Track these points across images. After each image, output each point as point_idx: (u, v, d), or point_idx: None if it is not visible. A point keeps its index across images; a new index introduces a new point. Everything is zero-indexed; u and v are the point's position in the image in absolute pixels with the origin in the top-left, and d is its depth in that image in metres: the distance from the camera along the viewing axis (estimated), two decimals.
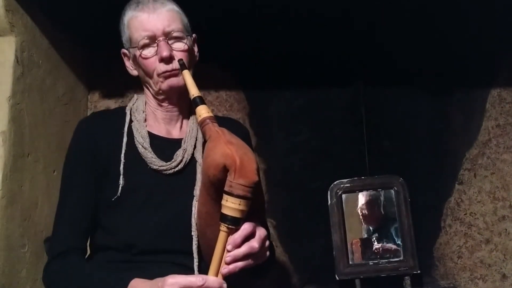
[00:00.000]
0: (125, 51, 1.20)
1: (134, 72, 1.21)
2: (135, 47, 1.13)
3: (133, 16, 1.14)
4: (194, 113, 1.19)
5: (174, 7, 1.16)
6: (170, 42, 1.13)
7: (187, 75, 1.10)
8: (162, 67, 1.12)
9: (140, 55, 1.13)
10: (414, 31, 1.80)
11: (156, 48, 1.12)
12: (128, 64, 1.22)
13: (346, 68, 1.84)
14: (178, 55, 1.13)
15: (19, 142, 1.36)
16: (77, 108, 1.76)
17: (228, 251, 0.94)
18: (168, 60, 1.11)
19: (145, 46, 1.13)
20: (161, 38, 1.12)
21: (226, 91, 1.87)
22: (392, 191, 1.65)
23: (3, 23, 1.32)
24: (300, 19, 1.73)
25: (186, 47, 1.14)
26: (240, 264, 0.95)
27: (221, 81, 1.86)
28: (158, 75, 1.13)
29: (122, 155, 1.12)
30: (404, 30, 1.79)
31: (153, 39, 1.12)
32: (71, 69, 1.70)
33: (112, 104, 1.84)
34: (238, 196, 0.92)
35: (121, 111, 1.20)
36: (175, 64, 1.12)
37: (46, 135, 1.51)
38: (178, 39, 1.14)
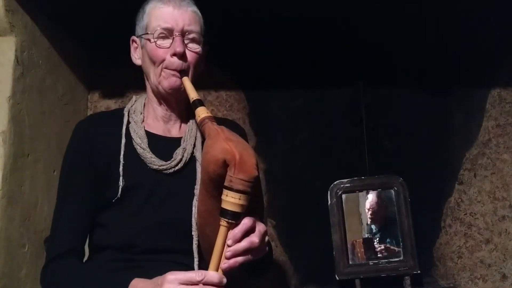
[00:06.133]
0: (135, 38, 1.21)
1: (138, 62, 1.21)
2: (151, 33, 1.14)
3: (157, 6, 1.15)
4: (194, 114, 1.20)
5: (197, 11, 1.19)
6: (185, 41, 1.14)
7: (186, 81, 1.12)
8: (171, 61, 1.13)
9: (154, 43, 1.13)
10: (414, 31, 1.80)
11: (170, 41, 1.13)
12: (134, 52, 1.22)
13: (346, 68, 1.84)
14: (189, 55, 1.14)
15: (19, 142, 1.36)
16: (77, 108, 1.76)
17: (229, 246, 0.94)
18: (180, 56, 1.12)
19: (160, 36, 1.14)
20: (177, 34, 1.13)
21: (226, 91, 1.87)
22: (392, 191, 1.65)
23: (3, 23, 1.32)
24: (300, 19, 1.73)
25: (199, 49, 1.16)
26: (240, 259, 0.95)
27: (221, 81, 1.86)
28: (164, 68, 1.14)
29: (121, 156, 1.12)
30: (404, 30, 1.79)
31: (170, 33, 1.13)
32: (71, 69, 1.70)
33: (112, 104, 1.85)
34: (238, 191, 0.92)
35: (119, 113, 1.20)
36: (183, 65, 1.13)
37: (46, 135, 1.51)
38: (194, 40, 1.16)
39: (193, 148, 1.17)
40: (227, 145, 0.94)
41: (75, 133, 1.19)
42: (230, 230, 0.95)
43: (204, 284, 0.91)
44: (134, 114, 1.19)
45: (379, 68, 1.84)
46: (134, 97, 1.25)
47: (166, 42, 1.13)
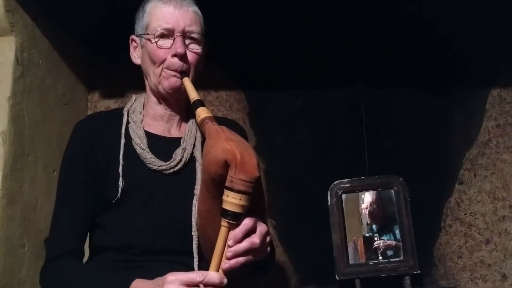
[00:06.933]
0: (135, 37, 1.20)
1: (137, 61, 1.21)
2: (151, 34, 1.13)
3: (158, 6, 1.15)
4: (194, 114, 1.20)
5: (198, 11, 1.18)
6: (186, 41, 1.14)
7: (187, 82, 1.12)
8: (171, 62, 1.12)
9: (155, 43, 1.13)
10: (414, 31, 1.80)
11: (171, 41, 1.13)
12: (133, 52, 1.22)
13: (346, 68, 1.84)
14: (190, 56, 1.14)
15: (19, 142, 1.36)
16: (77, 108, 1.76)
17: (229, 246, 0.94)
18: (181, 57, 1.12)
19: (161, 36, 1.13)
20: (178, 34, 1.12)
21: (226, 91, 1.87)
22: (392, 191, 1.65)
23: (3, 23, 1.33)
24: (300, 19, 1.73)
25: (200, 50, 1.16)
26: (241, 259, 0.95)
27: (221, 81, 1.86)
28: (165, 68, 1.13)
29: (121, 156, 1.12)
30: (404, 30, 1.79)
31: (171, 33, 1.13)
32: (71, 69, 1.70)
33: (112, 104, 1.85)
34: (239, 191, 0.92)
35: (118, 113, 1.20)
36: (183, 65, 1.13)
37: (46, 135, 1.51)
38: (194, 41, 1.15)
39: (193, 148, 1.16)
40: (228, 145, 0.94)
41: (74, 133, 1.18)
42: (231, 231, 0.95)
43: (205, 284, 0.91)
44: (133, 114, 1.18)
45: (379, 68, 1.84)
46: (133, 97, 1.24)
47: (167, 43, 1.13)
